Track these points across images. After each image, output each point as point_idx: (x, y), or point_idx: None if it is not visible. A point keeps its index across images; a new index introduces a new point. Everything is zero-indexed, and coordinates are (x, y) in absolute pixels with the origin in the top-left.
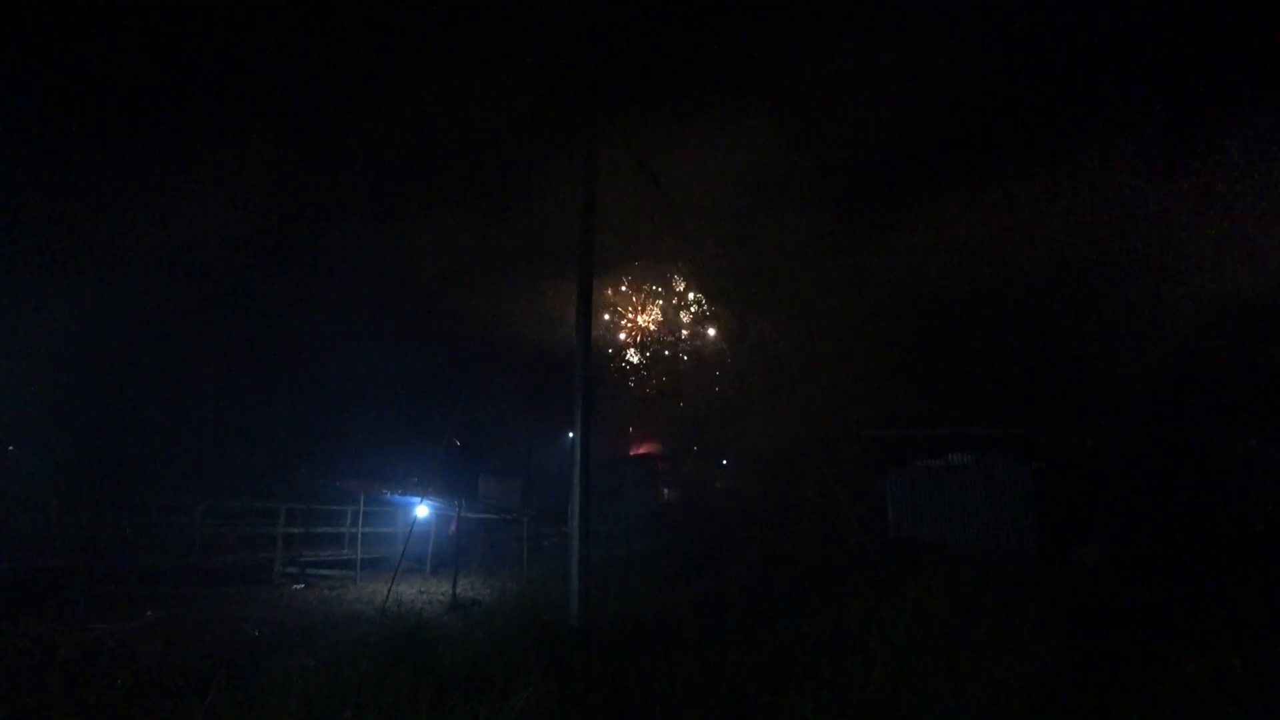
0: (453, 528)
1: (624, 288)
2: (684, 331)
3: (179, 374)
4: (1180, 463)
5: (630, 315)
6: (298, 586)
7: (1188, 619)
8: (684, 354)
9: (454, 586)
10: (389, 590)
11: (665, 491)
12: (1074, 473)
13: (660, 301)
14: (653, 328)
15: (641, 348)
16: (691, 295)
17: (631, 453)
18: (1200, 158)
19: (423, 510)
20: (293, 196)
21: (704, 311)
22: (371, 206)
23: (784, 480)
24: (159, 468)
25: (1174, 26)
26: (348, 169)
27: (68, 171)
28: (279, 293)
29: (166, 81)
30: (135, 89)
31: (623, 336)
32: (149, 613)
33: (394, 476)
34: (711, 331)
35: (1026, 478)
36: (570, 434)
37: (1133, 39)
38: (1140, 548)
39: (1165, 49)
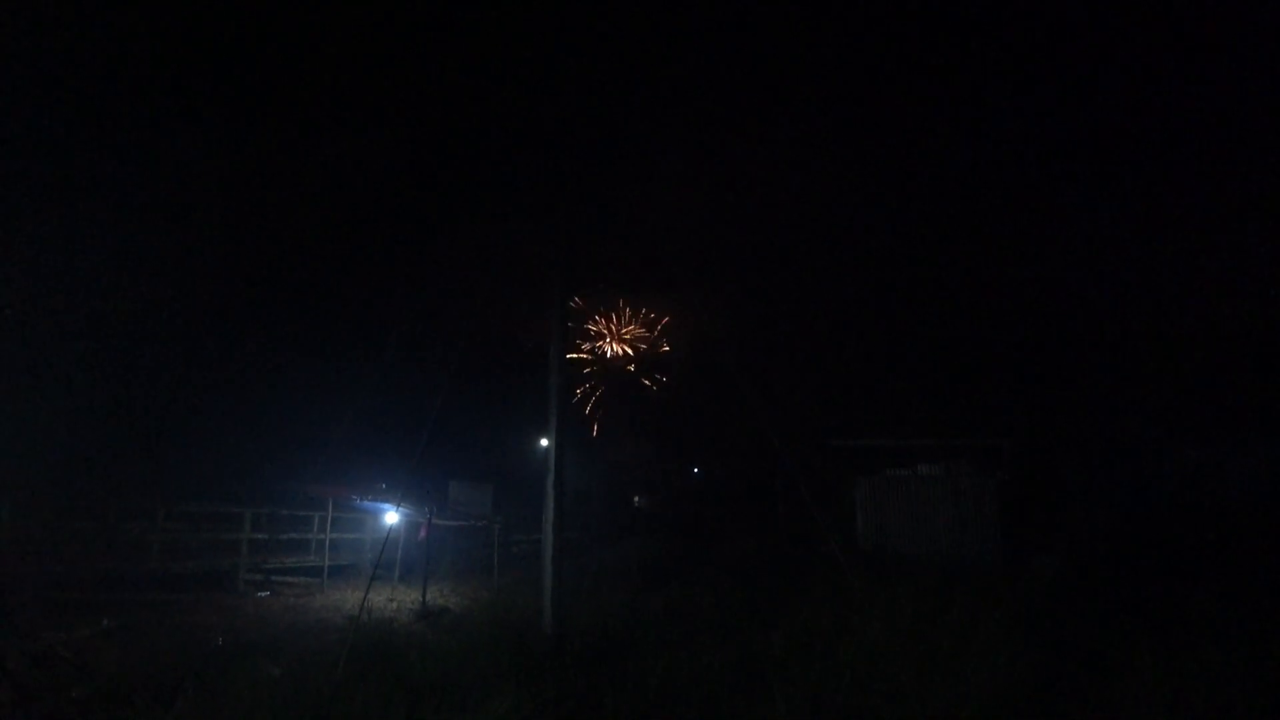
0: (422, 534)
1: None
2: (653, 347)
3: (143, 374)
4: (1136, 473)
5: (606, 328)
6: (263, 594)
7: (1144, 624)
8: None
9: (424, 594)
10: (364, 598)
11: (637, 498)
12: (1037, 483)
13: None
14: (630, 339)
15: (605, 359)
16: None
17: (603, 460)
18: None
19: (392, 516)
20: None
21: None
22: (355, 222)
23: (755, 488)
24: (119, 470)
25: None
26: (327, 189)
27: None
28: (252, 296)
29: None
30: (134, 103)
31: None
32: (105, 621)
33: (363, 482)
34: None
35: (991, 488)
36: (543, 440)
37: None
38: (1100, 556)
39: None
